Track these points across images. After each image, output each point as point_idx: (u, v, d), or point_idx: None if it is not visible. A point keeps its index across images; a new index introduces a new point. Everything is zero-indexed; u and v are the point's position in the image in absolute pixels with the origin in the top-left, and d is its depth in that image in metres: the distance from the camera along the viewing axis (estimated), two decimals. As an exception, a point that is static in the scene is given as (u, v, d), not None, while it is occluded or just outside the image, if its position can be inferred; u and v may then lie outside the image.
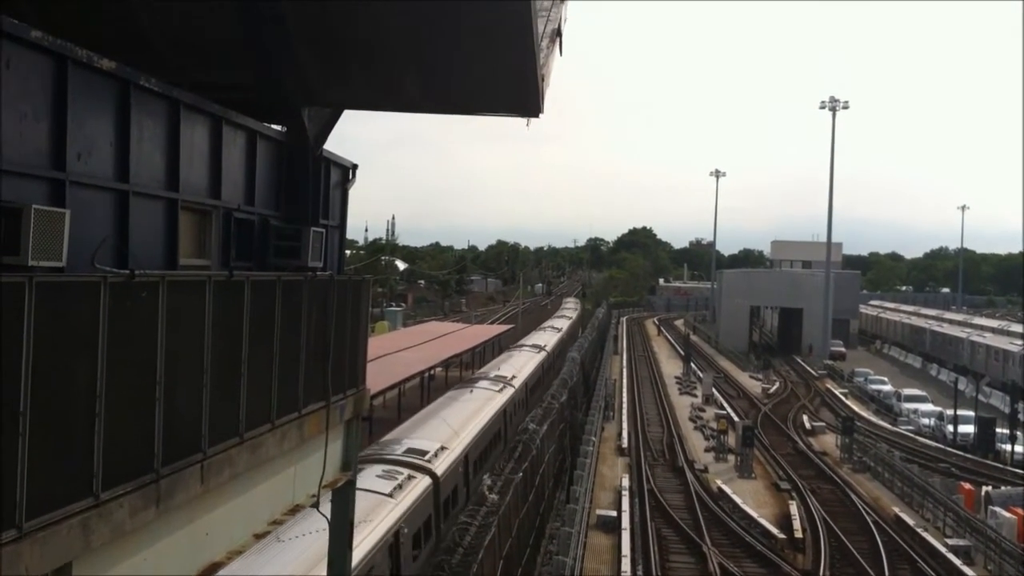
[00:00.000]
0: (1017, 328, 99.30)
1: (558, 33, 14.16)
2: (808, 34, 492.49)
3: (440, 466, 23.11)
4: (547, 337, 58.80)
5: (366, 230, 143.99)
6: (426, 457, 22.99)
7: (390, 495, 19.48)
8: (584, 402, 54.10)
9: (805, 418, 56.25)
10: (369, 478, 19.28)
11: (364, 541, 16.35)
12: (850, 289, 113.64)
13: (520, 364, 44.88)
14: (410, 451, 23.21)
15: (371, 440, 25.49)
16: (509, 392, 36.86)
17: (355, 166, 14.73)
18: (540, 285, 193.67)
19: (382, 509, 18.56)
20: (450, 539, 20.33)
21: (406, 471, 21.38)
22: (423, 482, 21.48)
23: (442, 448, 24.36)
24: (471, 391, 35.06)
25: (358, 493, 16.63)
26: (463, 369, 51.75)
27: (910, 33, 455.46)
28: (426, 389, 43.35)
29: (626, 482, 35.77)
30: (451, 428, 27.09)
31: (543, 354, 50.93)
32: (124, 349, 7.16)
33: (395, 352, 41.08)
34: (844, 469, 42.16)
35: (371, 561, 16.50)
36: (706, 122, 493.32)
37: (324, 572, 13.18)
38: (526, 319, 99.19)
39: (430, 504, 21.57)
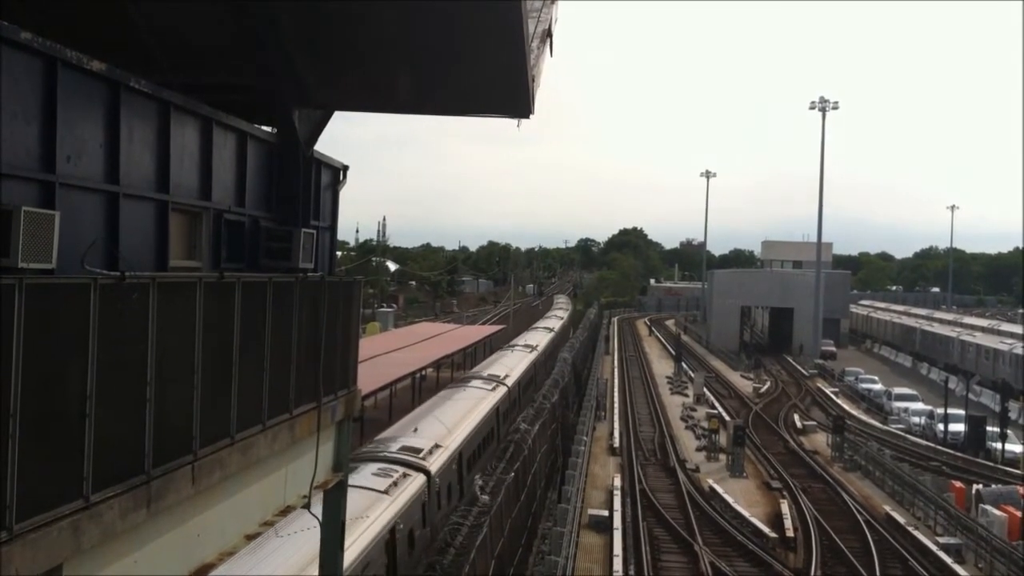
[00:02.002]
0: (1007, 327, 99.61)
1: (548, 34, 14.20)
2: (798, 35, 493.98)
3: (509, 382, 40.12)
4: (553, 323, 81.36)
5: (357, 231, 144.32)
6: (502, 377, 39.98)
7: (492, 390, 36.46)
8: (576, 402, 54.14)
9: (796, 417, 56.34)
10: (479, 382, 37.58)
11: (491, 397, 34.94)
12: (840, 289, 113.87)
13: (539, 338, 63.52)
14: (491, 374, 40.11)
15: (363, 441, 25.62)
16: (535, 353, 53.99)
17: (346, 167, 14.74)
18: (531, 286, 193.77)
19: (490, 394, 35.48)
20: (442, 539, 20.36)
21: (494, 382, 38.29)
22: (503, 389, 38.06)
23: (507, 375, 40.95)
24: (512, 351, 53.47)
25: (482, 383, 36.12)
26: (455, 370, 51.76)
27: (899, 34, 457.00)
28: (417, 390, 43.34)
29: (618, 482, 35.77)
30: (509, 366, 44.10)
31: (552, 333, 71.00)
32: (114, 351, 7.16)
33: (386, 353, 41.04)
34: (835, 468, 42.24)
35: (498, 406, 34.69)
36: (697, 123, 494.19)
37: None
38: (517, 320, 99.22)
39: (507, 400, 38.17)
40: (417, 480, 21.38)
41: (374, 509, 18.44)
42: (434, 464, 23.08)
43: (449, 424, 27.94)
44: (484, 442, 31.09)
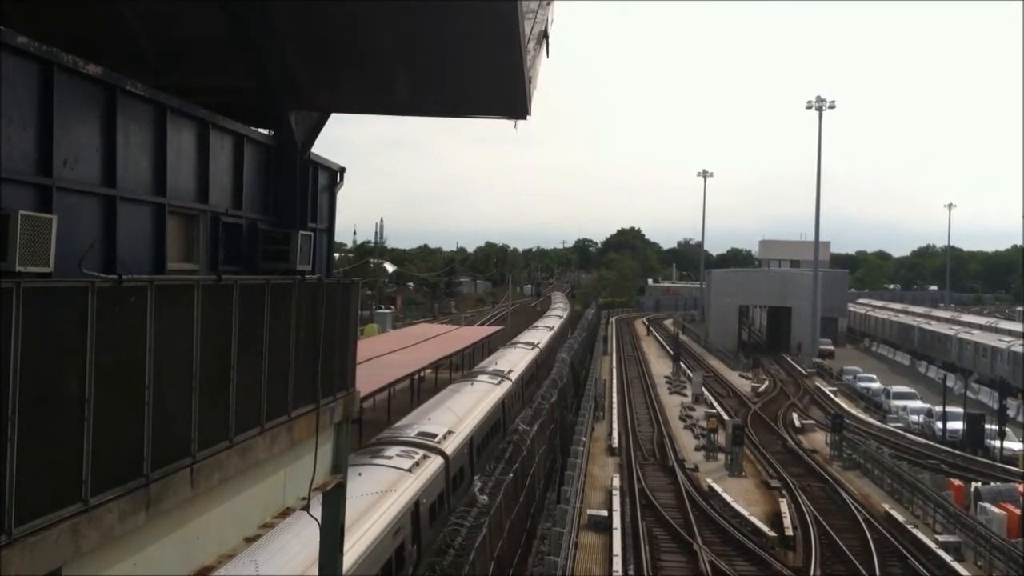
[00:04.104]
0: (1005, 325, 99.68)
1: (545, 35, 14.20)
2: (795, 34, 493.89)
3: (541, 345, 59.36)
4: (553, 321, 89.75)
5: (355, 233, 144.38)
6: (536, 342, 59.27)
7: (530, 349, 55.67)
8: (574, 402, 54.16)
9: (795, 416, 56.37)
10: (522, 345, 56.95)
11: (529, 355, 52.84)
12: (838, 287, 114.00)
13: (550, 324, 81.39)
14: (527, 340, 59.86)
15: (360, 443, 25.63)
16: (548, 334, 70.06)
17: (343, 169, 14.75)
18: (529, 286, 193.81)
19: (529, 352, 53.93)
20: (441, 541, 20.37)
21: (531, 346, 56.98)
22: (536, 350, 55.55)
23: (538, 341, 60.71)
24: (537, 329, 73.70)
25: (523, 346, 57.72)
26: (453, 371, 51.78)
27: (897, 31, 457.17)
28: (416, 391, 43.36)
29: (617, 482, 35.80)
30: (537, 336, 64.18)
31: (554, 331, 79.31)
32: (112, 354, 7.16)
33: (385, 354, 41.03)
34: (834, 467, 42.28)
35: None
36: (694, 122, 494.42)
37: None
38: (515, 320, 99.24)
39: (540, 357, 56.01)
40: (506, 384, 39.96)
41: (492, 391, 36.45)
42: (513, 376, 42.58)
43: (514, 362, 47.56)
44: (532, 376, 49.85)
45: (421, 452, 23.52)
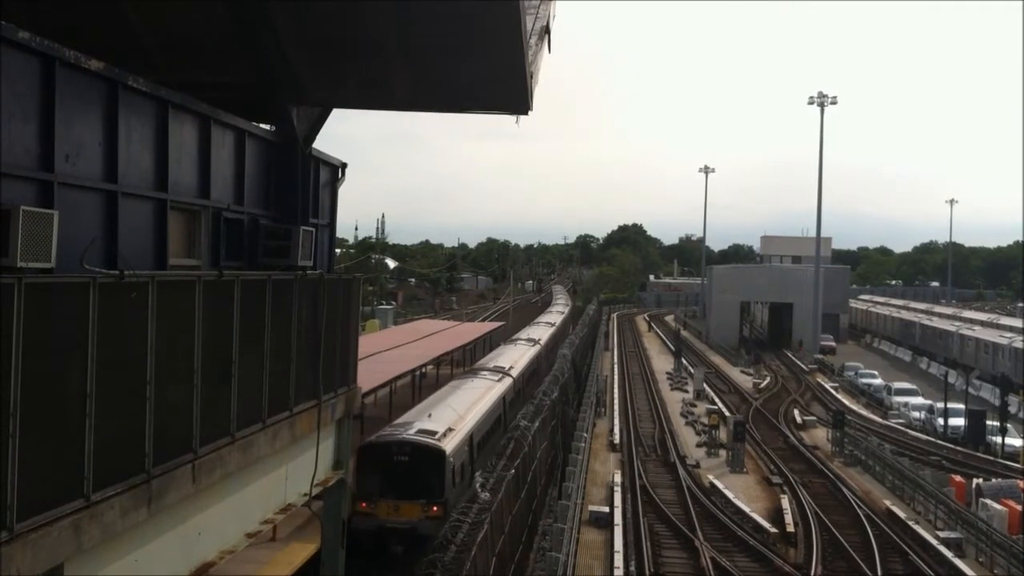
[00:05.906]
0: (1007, 321, 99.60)
1: (547, 31, 14.20)
2: (798, 28, 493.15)
3: (557, 324, 76.57)
4: (562, 307, 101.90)
5: (356, 229, 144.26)
6: (552, 323, 75.98)
7: (550, 326, 72.69)
8: (575, 398, 54.15)
9: (796, 412, 56.32)
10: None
11: (549, 330, 68.46)
12: (840, 283, 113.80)
13: (557, 315, 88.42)
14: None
15: (362, 439, 25.60)
16: (560, 318, 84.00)
17: (344, 165, 14.74)
18: (531, 282, 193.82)
19: (548, 329, 68.92)
20: (443, 537, 20.38)
21: (546, 328, 69.85)
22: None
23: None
24: (547, 312, 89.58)
25: (539, 325, 73.49)
26: (454, 366, 51.79)
27: (900, 26, 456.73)
28: (417, 387, 43.34)
29: (618, 478, 35.77)
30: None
31: (564, 315, 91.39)
32: (114, 349, 7.16)
33: (386, 350, 40.99)
34: (835, 463, 42.24)
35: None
36: (696, 118, 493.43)
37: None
38: (516, 316, 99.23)
39: (552, 339, 64.94)
40: (537, 346, 53.51)
41: (529, 348, 51.68)
42: (542, 342, 55.20)
43: (540, 333, 62.76)
44: (553, 344, 62.78)
45: (500, 374, 40.58)
